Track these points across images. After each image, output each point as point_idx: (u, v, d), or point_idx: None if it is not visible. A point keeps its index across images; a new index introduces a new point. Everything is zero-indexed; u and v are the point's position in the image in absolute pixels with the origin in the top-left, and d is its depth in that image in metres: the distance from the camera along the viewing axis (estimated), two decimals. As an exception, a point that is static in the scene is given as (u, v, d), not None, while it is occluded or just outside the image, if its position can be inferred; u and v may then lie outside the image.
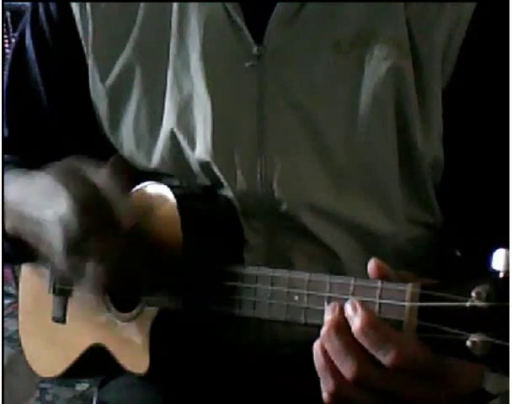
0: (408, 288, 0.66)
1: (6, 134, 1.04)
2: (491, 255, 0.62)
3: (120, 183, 0.78)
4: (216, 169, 0.92)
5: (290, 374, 0.96)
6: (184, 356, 0.91)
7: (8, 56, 1.06)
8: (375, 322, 0.66)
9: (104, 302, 0.93)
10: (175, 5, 0.93)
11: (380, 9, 0.87)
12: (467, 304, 0.61)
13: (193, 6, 0.92)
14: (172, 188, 0.89)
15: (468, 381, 0.66)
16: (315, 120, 0.89)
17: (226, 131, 0.91)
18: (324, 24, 0.88)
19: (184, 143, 0.93)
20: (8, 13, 2.61)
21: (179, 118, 0.92)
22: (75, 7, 0.96)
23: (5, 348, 1.66)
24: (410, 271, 0.71)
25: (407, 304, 0.66)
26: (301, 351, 0.90)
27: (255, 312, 0.77)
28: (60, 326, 1.00)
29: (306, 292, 0.73)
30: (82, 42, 0.96)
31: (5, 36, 2.65)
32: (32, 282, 1.06)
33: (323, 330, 0.68)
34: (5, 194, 0.89)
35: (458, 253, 1.00)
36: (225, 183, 0.92)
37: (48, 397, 2.13)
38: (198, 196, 0.94)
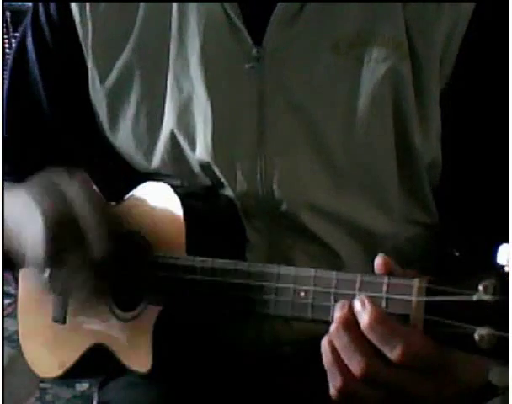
0: (415, 283, 0.67)
1: (6, 134, 1.04)
2: (492, 252, 0.63)
3: (91, 193, 0.84)
4: (216, 170, 0.92)
5: (290, 373, 0.96)
6: (185, 355, 0.91)
7: (9, 56, 1.06)
8: (382, 318, 0.67)
9: (105, 302, 0.93)
10: (175, 7, 0.93)
11: (379, 10, 0.87)
12: (474, 298, 0.62)
13: (192, 7, 0.92)
14: (174, 187, 0.89)
15: (475, 375, 0.66)
16: (314, 121, 0.89)
17: (226, 132, 0.91)
18: (323, 25, 0.88)
19: (184, 144, 0.93)
20: (8, 13, 2.61)
21: (179, 119, 0.93)
22: (75, 8, 0.96)
23: (5, 348, 1.66)
24: (410, 270, 0.72)
25: (414, 298, 0.66)
26: (301, 350, 0.92)
27: (261, 309, 0.78)
28: (60, 326, 1.00)
29: (312, 288, 0.73)
30: (82, 43, 0.96)
31: (5, 36, 2.64)
32: (31, 282, 1.06)
33: (332, 326, 0.69)
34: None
35: (456, 253, 1.00)
36: (225, 184, 0.92)
37: (48, 397, 2.12)
38: (200, 195, 0.94)
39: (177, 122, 0.93)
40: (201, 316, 0.86)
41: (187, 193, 0.91)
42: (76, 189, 0.83)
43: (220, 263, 0.81)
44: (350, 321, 0.68)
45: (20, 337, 1.08)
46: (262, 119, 0.90)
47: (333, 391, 0.70)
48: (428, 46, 0.87)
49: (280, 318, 0.79)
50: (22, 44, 1.02)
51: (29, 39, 1.01)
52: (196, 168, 0.93)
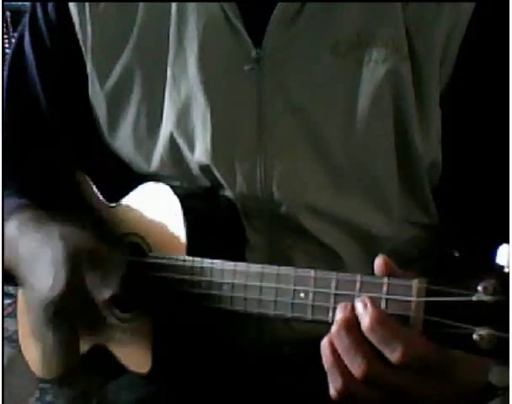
0: (415, 283, 0.67)
1: (5, 135, 1.04)
2: (493, 252, 0.63)
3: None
4: (215, 172, 0.92)
5: (290, 373, 0.97)
6: (185, 355, 0.91)
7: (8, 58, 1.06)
8: (383, 319, 0.67)
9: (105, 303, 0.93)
10: (174, 7, 0.92)
11: (378, 11, 0.87)
12: (474, 298, 0.62)
13: (191, 9, 0.92)
14: (173, 188, 0.89)
15: (475, 376, 0.66)
16: (314, 122, 0.89)
17: (225, 134, 0.91)
18: (323, 27, 0.88)
19: (183, 146, 0.93)
20: (8, 13, 2.61)
21: (179, 121, 0.92)
22: (74, 10, 0.95)
23: (5, 348, 1.66)
24: (409, 271, 0.72)
25: (413, 299, 0.66)
26: (301, 350, 0.91)
27: (260, 310, 0.78)
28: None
29: (312, 289, 0.73)
30: (81, 45, 0.96)
31: (5, 36, 2.64)
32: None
33: (333, 328, 0.69)
34: (16, 243, 0.91)
35: (456, 253, 1.00)
36: (225, 185, 0.92)
37: (48, 397, 2.12)
38: (199, 196, 0.94)
39: (176, 124, 0.92)
40: (200, 316, 0.86)
41: (186, 193, 0.91)
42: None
43: (219, 263, 0.81)
44: (352, 323, 0.68)
45: (20, 337, 1.08)
46: (261, 121, 0.90)
47: (333, 392, 0.70)
48: (428, 47, 0.86)
49: (280, 319, 0.79)
50: (19, 45, 1.02)
51: (27, 40, 1.00)
52: (195, 170, 0.93)
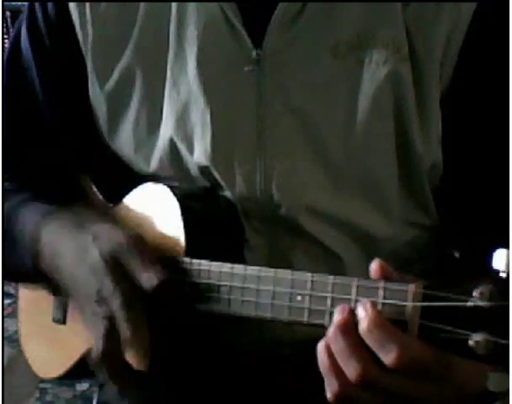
0: (411, 288, 0.67)
1: (4, 136, 1.04)
2: (491, 255, 0.62)
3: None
4: (215, 173, 0.92)
5: (290, 374, 0.96)
6: (184, 356, 0.91)
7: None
8: (380, 321, 0.67)
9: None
10: (174, 8, 0.92)
11: (378, 12, 0.87)
12: (470, 303, 0.62)
13: (191, 9, 0.91)
14: (172, 188, 0.89)
15: (472, 381, 0.66)
16: (314, 124, 0.89)
17: (225, 135, 0.91)
18: (323, 28, 0.88)
19: (182, 147, 0.93)
20: (8, 13, 2.61)
21: (178, 122, 0.92)
22: (74, 10, 0.95)
23: (5, 348, 1.66)
24: (409, 272, 0.72)
25: (409, 304, 0.66)
26: (301, 351, 0.91)
27: (257, 313, 0.78)
28: (60, 326, 1.00)
29: (308, 292, 0.73)
30: (82, 46, 0.95)
31: (5, 36, 2.64)
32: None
33: (330, 330, 0.69)
34: (39, 231, 0.91)
35: (457, 255, 1.00)
36: (224, 187, 0.92)
37: (48, 397, 2.13)
38: (198, 196, 0.94)
39: (175, 125, 0.92)
40: (199, 317, 0.86)
41: (185, 194, 0.91)
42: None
43: (217, 265, 0.81)
44: (349, 325, 0.68)
45: (20, 337, 1.08)
46: (261, 122, 0.90)
47: (329, 396, 0.70)
48: (428, 48, 0.86)
49: (277, 322, 0.79)
50: (16, 45, 1.01)
51: (25, 40, 1.00)
52: (195, 171, 0.93)
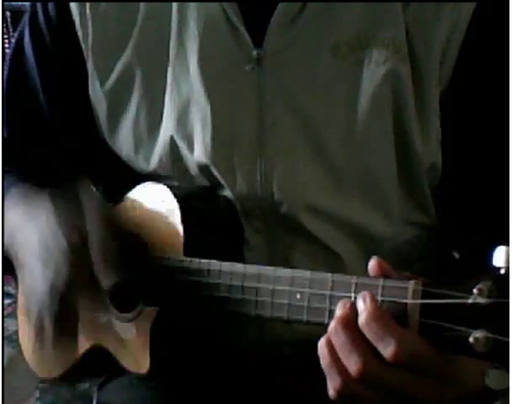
0: (410, 285, 0.67)
1: (5, 135, 1.04)
2: (491, 253, 0.62)
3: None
4: (215, 172, 0.92)
5: (290, 374, 0.97)
6: (184, 356, 0.91)
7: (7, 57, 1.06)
8: (378, 315, 0.67)
9: (103, 303, 0.93)
10: (175, 8, 0.92)
11: (379, 12, 0.87)
12: (469, 300, 0.62)
13: (192, 9, 0.92)
14: (171, 187, 0.89)
15: (472, 379, 0.66)
16: (314, 123, 0.89)
17: (225, 134, 0.91)
18: (324, 28, 0.88)
19: (182, 146, 0.93)
20: (8, 13, 2.61)
21: (178, 121, 0.92)
22: (74, 10, 0.96)
23: (5, 348, 1.66)
24: (409, 271, 0.71)
25: (409, 301, 0.66)
26: (301, 351, 0.91)
27: (257, 311, 0.78)
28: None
29: (308, 290, 0.73)
30: (82, 45, 0.96)
31: (5, 36, 2.64)
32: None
33: (331, 325, 0.69)
34: (6, 217, 0.92)
35: (456, 254, 1.00)
36: (224, 185, 0.92)
37: (48, 397, 2.13)
38: (198, 196, 0.94)
39: (176, 124, 0.93)
40: (198, 317, 0.86)
41: (185, 193, 0.91)
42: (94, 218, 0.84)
43: (216, 264, 0.81)
44: (350, 320, 0.68)
45: (20, 337, 1.08)
46: (262, 121, 0.90)
47: (331, 392, 0.70)
48: (427, 49, 0.86)
49: (277, 320, 0.79)
50: (19, 45, 1.02)
51: (27, 40, 1.00)
52: (194, 170, 0.93)
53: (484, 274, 0.61)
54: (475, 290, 0.61)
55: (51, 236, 0.84)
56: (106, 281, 0.81)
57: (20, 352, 1.06)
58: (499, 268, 0.61)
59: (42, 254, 0.85)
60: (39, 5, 0.99)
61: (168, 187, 0.89)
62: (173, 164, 0.94)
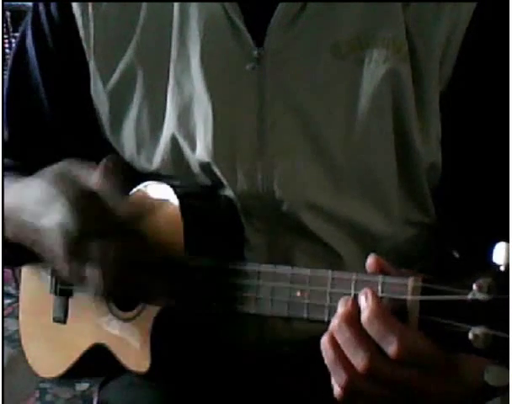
0: (410, 282, 0.67)
1: (6, 136, 1.04)
2: (491, 250, 0.62)
3: (115, 184, 0.79)
4: (216, 170, 0.92)
5: (290, 373, 0.97)
6: (184, 355, 0.91)
7: (9, 56, 1.06)
8: (380, 313, 0.67)
9: (105, 302, 0.93)
10: (176, 7, 0.93)
11: (379, 12, 0.87)
12: (469, 297, 0.62)
13: (193, 8, 0.92)
14: (173, 187, 0.89)
15: (471, 375, 0.66)
16: (314, 122, 0.89)
17: (226, 133, 0.91)
18: (324, 27, 0.88)
19: (184, 145, 0.93)
20: (8, 13, 2.61)
21: (180, 120, 0.93)
22: (76, 10, 0.96)
23: (5, 348, 1.66)
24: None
25: (408, 297, 0.66)
26: (301, 350, 0.91)
27: (257, 309, 0.78)
28: (61, 326, 1.00)
29: (308, 288, 0.73)
30: (84, 45, 0.96)
31: (5, 36, 2.65)
32: (33, 282, 1.06)
33: (334, 322, 0.69)
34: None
35: (456, 254, 1.00)
36: (225, 184, 0.92)
37: (48, 397, 2.13)
38: (199, 195, 0.94)
39: (177, 123, 0.93)
40: (199, 315, 0.86)
41: (186, 193, 0.91)
42: (98, 175, 0.80)
43: (217, 262, 0.81)
44: (353, 316, 0.68)
45: (22, 337, 1.08)
46: (262, 120, 0.90)
47: (337, 390, 0.69)
48: (428, 48, 0.87)
49: (277, 318, 0.79)
50: (21, 45, 1.02)
51: (30, 40, 1.00)
52: (196, 169, 0.93)
53: (484, 271, 0.62)
54: (474, 287, 0.61)
55: (53, 229, 0.80)
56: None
57: (20, 352, 1.07)
58: (499, 265, 0.61)
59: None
60: (41, 5, 0.99)
61: (170, 185, 0.89)
62: (174, 163, 0.94)
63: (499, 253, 0.61)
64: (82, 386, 2.06)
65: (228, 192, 0.93)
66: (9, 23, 2.61)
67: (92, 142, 1.00)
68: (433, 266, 1.00)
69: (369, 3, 0.88)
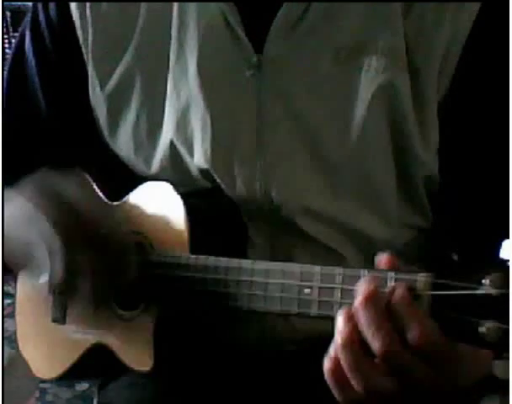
0: (421, 277, 0.68)
1: (5, 138, 1.03)
2: (496, 249, 0.64)
3: (94, 193, 0.84)
4: (215, 176, 0.92)
5: (291, 372, 0.97)
6: (187, 354, 0.91)
7: (9, 57, 1.06)
8: (407, 299, 0.67)
9: (105, 301, 0.93)
10: (175, 11, 0.92)
11: (379, 21, 0.88)
12: (480, 291, 0.63)
13: (192, 13, 0.92)
14: (175, 186, 0.90)
15: (478, 369, 0.67)
16: (313, 128, 0.89)
17: (225, 139, 0.91)
18: (324, 34, 0.88)
19: (183, 150, 0.93)
20: (8, 13, 2.60)
21: (178, 125, 0.93)
22: (75, 12, 0.95)
23: (5, 348, 1.65)
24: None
25: (420, 293, 0.67)
26: (302, 349, 0.92)
27: (266, 306, 0.78)
28: (58, 326, 1.00)
29: (318, 284, 0.74)
30: (82, 48, 0.96)
31: (5, 36, 2.63)
32: (29, 283, 1.06)
33: (357, 300, 0.68)
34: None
35: (455, 257, 1.01)
36: (224, 189, 0.93)
37: (48, 397, 2.12)
38: (202, 195, 0.94)
39: (176, 128, 0.93)
40: (204, 314, 0.86)
41: (189, 192, 0.91)
42: (75, 190, 0.83)
43: (223, 261, 0.82)
44: (377, 296, 0.67)
45: (18, 338, 1.08)
46: (261, 126, 0.90)
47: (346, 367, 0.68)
48: (427, 58, 0.87)
49: (283, 316, 0.80)
50: (20, 47, 1.02)
51: (28, 42, 1.00)
52: (196, 173, 0.94)
53: (494, 266, 0.63)
54: (485, 281, 0.62)
55: (52, 232, 0.82)
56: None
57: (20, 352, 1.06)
58: (508, 261, 0.62)
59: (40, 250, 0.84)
60: (40, 6, 0.99)
61: (172, 185, 0.90)
62: (174, 168, 0.94)
63: (508, 249, 0.62)
64: (82, 386, 2.05)
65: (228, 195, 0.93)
66: (9, 23, 2.60)
67: (90, 144, 1.00)
68: (432, 269, 1.01)
69: (369, 12, 0.88)
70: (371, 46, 0.88)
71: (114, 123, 0.97)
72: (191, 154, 0.93)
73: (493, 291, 0.62)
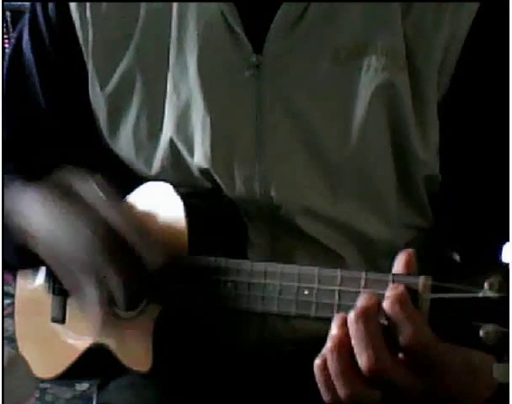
0: (421, 280, 0.67)
1: (4, 136, 1.03)
2: (497, 250, 0.63)
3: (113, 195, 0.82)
4: (214, 176, 0.92)
5: (291, 372, 0.97)
6: (186, 354, 0.91)
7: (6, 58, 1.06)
8: (404, 299, 0.67)
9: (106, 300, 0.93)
10: (175, 11, 0.92)
11: (378, 21, 0.87)
12: (480, 294, 0.63)
13: (191, 13, 0.91)
14: (175, 186, 0.89)
15: (479, 373, 0.67)
16: (313, 128, 0.89)
17: (224, 139, 0.91)
18: (324, 34, 0.88)
19: (183, 150, 0.93)
20: (8, 13, 2.61)
21: (178, 125, 0.93)
22: (75, 12, 0.95)
23: (5, 348, 1.65)
24: None
25: (419, 295, 0.67)
26: (302, 349, 0.92)
27: (264, 307, 0.78)
28: (58, 326, 1.00)
29: (316, 286, 0.74)
30: (82, 48, 0.95)
31: (5, 36, 2.64)
32: (28, 283, 1.06)
33: (351, 314, 0.68)
34: (13, 210, 0.89)
35: (457, 257, 1.01)
36: (224, 189, 0.92)
37: (48, 397, 2.13)
38: (202, 195, 0.94)
39: (175, 128, 0.93)
40: (203, 314, 0.86)
41: (188, 192, 0.91)
42: (97, 193, 0.82)
43: (223, 261, 0.81)
44: (372, 314, 0.67)
45: (18, 338, 1.08)
46: (260, 126, 0.90)
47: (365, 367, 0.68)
48: (426, 57, 0.87)
49: (283, 317, 0.79)
50: (18, 47, 1.01)
51: (27, 41, 1.00)
52: (196, 173, 0.94)
53: (494, 269, 0.62)
54: (485, 284, 0.62)
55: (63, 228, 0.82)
56: (154, 260, 0.80)
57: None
58: (508, 264, 0.62)
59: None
60: (38, 5, 0.98)
61: (172, 185, 0.90)
62: (174, 167, 0.94)
63: (509, 252, 0.62)
64: (82, 386, 2.06)
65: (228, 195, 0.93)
66: (9, 23, 2.60)
67: (90, 145, 1.00)
68: (433, 269, 1.00)
69: (368, 12, 0.88)
70: (371, 46, 0.87)
71: (115, 123, 0.97)
72: (191, 154, 0.93)
73: (492, 294, 0.62)
